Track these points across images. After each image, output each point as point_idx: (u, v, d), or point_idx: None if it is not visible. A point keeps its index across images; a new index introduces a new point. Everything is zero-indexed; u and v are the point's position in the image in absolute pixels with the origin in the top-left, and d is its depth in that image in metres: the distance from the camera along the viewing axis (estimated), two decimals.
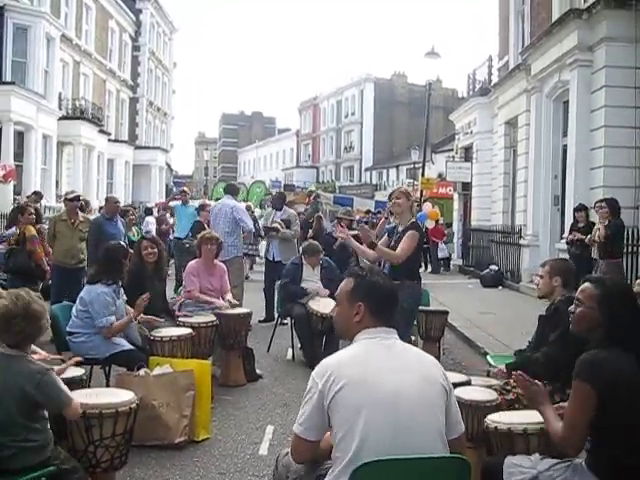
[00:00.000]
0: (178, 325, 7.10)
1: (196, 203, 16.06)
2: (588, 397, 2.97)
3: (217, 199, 18.89)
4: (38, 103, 26.10)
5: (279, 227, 11.31)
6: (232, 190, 11.02)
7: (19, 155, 25.77)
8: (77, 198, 10.32)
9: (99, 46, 35.40)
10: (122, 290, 6.40)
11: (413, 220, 6.77)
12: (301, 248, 9.89)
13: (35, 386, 3.53)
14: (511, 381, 4.82)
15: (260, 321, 10.87)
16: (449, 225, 25.37)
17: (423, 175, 27.10)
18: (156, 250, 7.27)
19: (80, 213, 10.34)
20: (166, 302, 7.58)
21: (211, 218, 10.90)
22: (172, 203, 17.39)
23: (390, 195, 6.91)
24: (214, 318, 7.41)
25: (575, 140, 14.19)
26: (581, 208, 11.88)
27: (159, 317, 7.10)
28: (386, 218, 9.65)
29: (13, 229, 9.85)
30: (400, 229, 6.65)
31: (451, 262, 23.86)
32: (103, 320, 5.99)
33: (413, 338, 7.10)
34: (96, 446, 3.90)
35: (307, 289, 8.78)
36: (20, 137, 26.10)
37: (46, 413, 3.68)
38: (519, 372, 3.52)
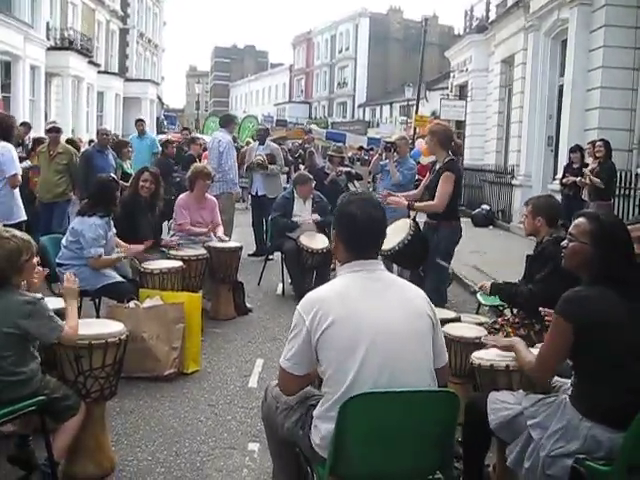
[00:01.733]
0: (169, 258, 7.08)
1: (154, 135, 15.27)
2: (564, 332, 2.99)
3: (209, 132, 18.54)
4: (25, 32, 25.51)
5: (262, 160, 11.16)
6: (225, 122, 10.71)
7: (6, 86, 25.37)
8: (53, 129, 10.11)
9: None
10: (112, 223, 6.36)
11: (449, 159, 6.57)
12: (292, 180, 9.79)
13: (26, 316, 3.52)
14: (499, 320, 4.95)
15: (250, 255, 10.89)
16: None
17: (417, 112, 27.11)
18: (154, 186, 7.19)
19: (61, 144, 10.12)
20: (158, 235, 7.54)
21: (208, 153, 10.84)
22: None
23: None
24: (204, 251, 7.42)
25: (572, 80, 13.99)
26: (576, 149, 11.81)
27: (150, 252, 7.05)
28: (380, 154, 9.52)
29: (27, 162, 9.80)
30: (437, 167, 6.57)
31: None
32: (91, 250, 5.96)
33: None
34: (86, 376, 3.91)
35: (298, 222, 8.77)
36: (7, 67, 25.64)
37: (34, 345, 3.68)
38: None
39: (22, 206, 7.63)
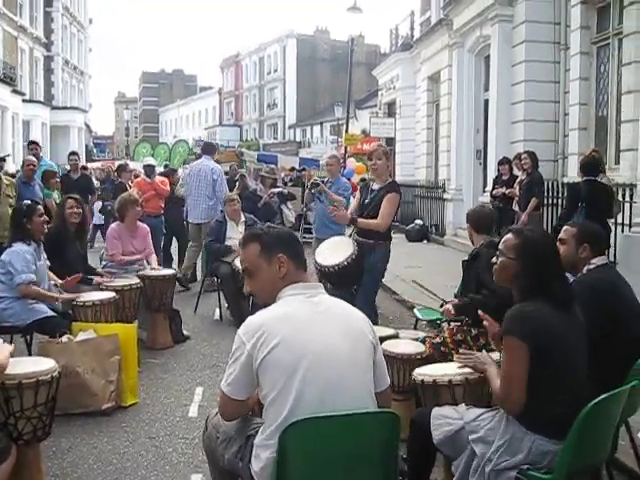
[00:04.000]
0: (101, 289, 6.92)
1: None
2: (520, 353, 2.97)
3: (140, 159, 18.18)
4: None
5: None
6: (209, 150, 10.77)
7: None
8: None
9: (8, 1, 33.69)
10: (43, 252, 6.23)
11: (391, 180, 6.64)
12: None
13: None
14: (446, 334, 4.90)
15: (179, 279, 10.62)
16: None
17: (347, 131, 27.30)
18: (81, 210, 7.07)
19: (4, 177, 9.77)
20: (87, 264, 7.38)
21: (188, 179, 10.73)
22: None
23: (370, 155, 6.66)
24: (138, 280, 7.28)
25: (496, 94, 14.36)
26: (504, 161, 12.07)
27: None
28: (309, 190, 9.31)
29: None
30: (375, 187, 6.52)
31: None
32: (22, 276, 5.79)
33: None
34: (17, 418, 3.76)
35: (232, 247, 8.62)
36: None
37: None
38: (483, 314, 3.62)
39: None
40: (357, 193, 6.75)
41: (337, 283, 6.26)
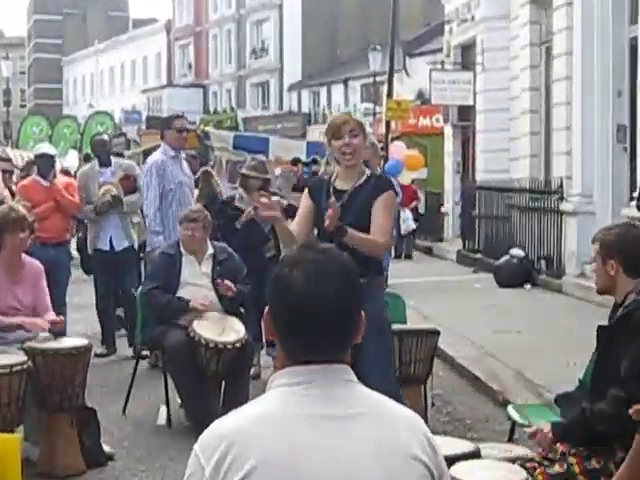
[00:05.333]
0: None
1: None
2: None
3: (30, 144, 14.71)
4: None
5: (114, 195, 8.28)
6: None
7: None
8: None
9: None
10: None
11: (372, 172, 5.12)
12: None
13: None
14: (572, 460, 3.80)
15: (97, 355, 8.09)
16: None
17: (390, 96, 19.20)
18: None
19: None
20: None
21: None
22: None
23: (330, 130, 4.76)
24: (24, 358, 5.55)
25: None
26: None
27: None
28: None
29: None
30: (346, 185, 4.79)
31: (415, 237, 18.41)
32: None
33: None
34: None
35: (189, 301, 6.33)
36: None
37: None
38: None
39: None
40: (304, 196, 5.14)
41: None
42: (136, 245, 8.60)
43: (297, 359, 2.01)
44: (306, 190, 5.03)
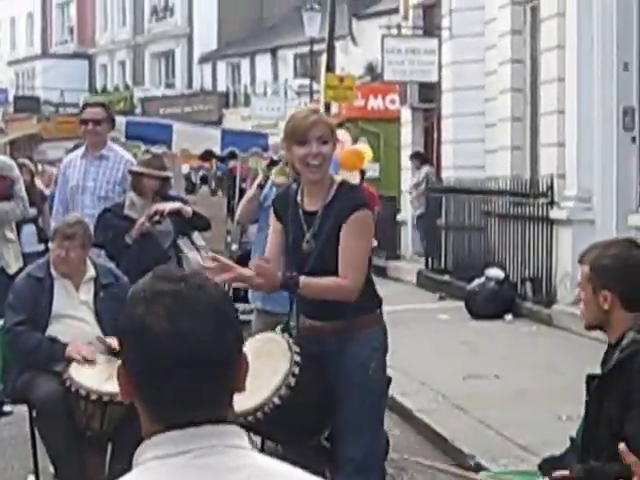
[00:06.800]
0: None
1: None
2: None
3: None
4: None
5: None
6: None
7: None
8: None
9: None
10: None
11: (341, 181, 4.21)
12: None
13: None
14: None
15: None
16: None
17: (331, 70, 16.06)
18: None
19: None
20: None
21: None
22: None
23: (292, 133, 4.04)
24: None
25: None
26: None
27: None
28: (256, 179, 6.52)
29: None
30: (317, 208, 4.05)
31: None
32: None
33: None
34: None
35: (67, 346, 5.33)
36: None
37: None
38: None
39: None
40: (271, 220, 4.45)
41: (277, 438, 4.29)
42: (12, 270, 7.16)
43: (167, 421, 1.70)
44: (271, 212, 4.36)
